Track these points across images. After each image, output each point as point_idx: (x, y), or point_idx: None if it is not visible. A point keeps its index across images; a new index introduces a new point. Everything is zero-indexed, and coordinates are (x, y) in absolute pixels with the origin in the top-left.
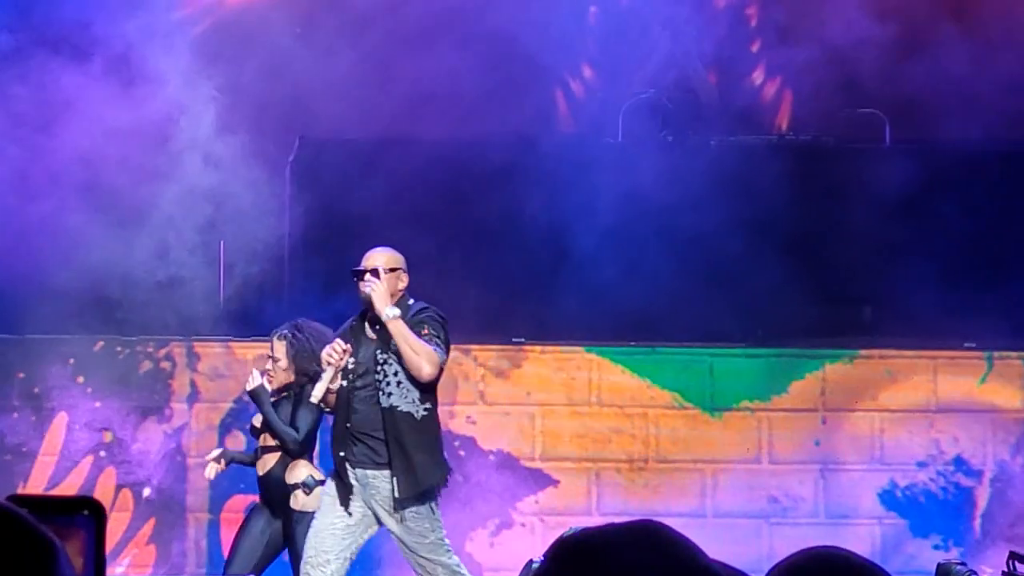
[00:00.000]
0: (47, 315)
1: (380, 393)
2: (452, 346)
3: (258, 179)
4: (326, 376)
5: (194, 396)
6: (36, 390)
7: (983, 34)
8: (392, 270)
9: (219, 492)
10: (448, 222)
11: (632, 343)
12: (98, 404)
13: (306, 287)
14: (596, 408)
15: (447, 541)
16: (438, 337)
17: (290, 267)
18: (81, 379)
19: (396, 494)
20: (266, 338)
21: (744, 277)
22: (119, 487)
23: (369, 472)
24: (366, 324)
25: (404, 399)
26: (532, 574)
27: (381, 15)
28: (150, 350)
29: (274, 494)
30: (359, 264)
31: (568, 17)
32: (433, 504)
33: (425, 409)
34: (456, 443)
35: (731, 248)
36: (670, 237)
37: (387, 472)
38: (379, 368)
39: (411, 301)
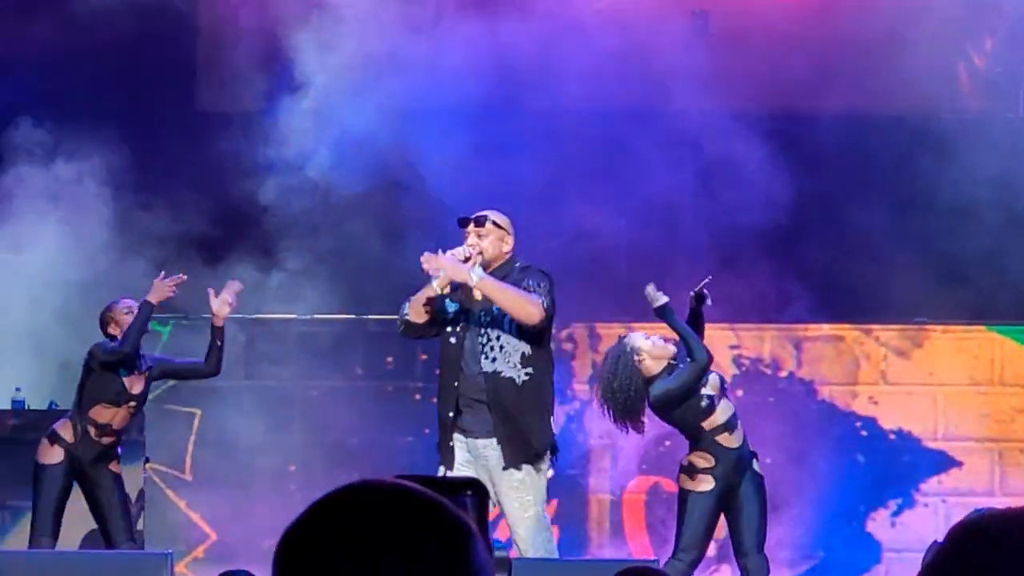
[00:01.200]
0: None
1: (484, 357)
2: (852, 326)
3: (661, 159)
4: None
5: (595, 378)
6: (438, 372)
7: None
8: (499, 227)
9: (621, 473)
10: (852, 201)
11: None
12: None
13: (710, 268)
14: (999, 388)
15: (547, 517)
16: (539, 286)
17: (693, 248)
18: None
19: (503, 462)
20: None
21: None
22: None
23: (480, 442)
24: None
25: (507, 363)
26: (931, 554)
27: None
28: (553, 332)
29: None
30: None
31: None
32: (539, 473)
33: (527, 374)
34: (858, 423)
35: None
36: None
37: (494, 440)
38: (483, 331)
39: (517, 263)
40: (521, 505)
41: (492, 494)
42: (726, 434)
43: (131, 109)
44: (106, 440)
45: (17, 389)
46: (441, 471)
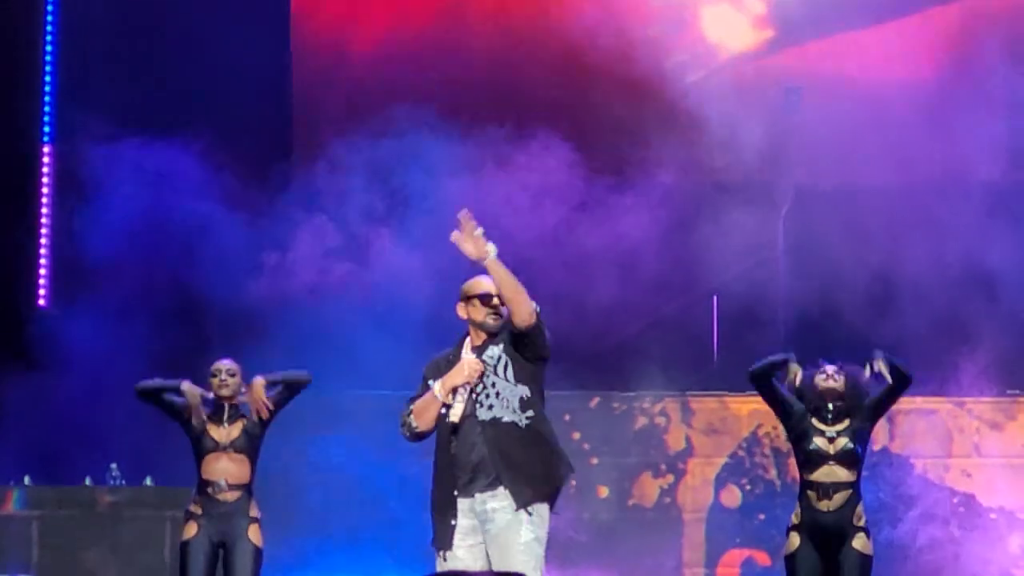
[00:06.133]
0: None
1: (479, 406)
2: (946, 399)
3: (751, 230)
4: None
5: (688, 451)
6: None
7: None
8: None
9: (715, 546)
10: (942, 271)
11: None
12: (594, 461)
13: (801, 341)
14: None
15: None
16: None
17: (784, 320)
18: (577, 435)
19: (514, 504)
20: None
21: None
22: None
23: (480, 496)
24: (464, 352)
25: (505, 408)
26: None
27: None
28: (646, 406)
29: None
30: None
31: None
32: (546, 518)
33: (528, 417)
34: (952, 497)
35: None
36: None
37: (500, 489)
38: (478, 384)
39: None
40: (529, 547)
41: (487, 548)
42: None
43: None
44: (223, 496)
45: (111, 466)
46: (440, 562)
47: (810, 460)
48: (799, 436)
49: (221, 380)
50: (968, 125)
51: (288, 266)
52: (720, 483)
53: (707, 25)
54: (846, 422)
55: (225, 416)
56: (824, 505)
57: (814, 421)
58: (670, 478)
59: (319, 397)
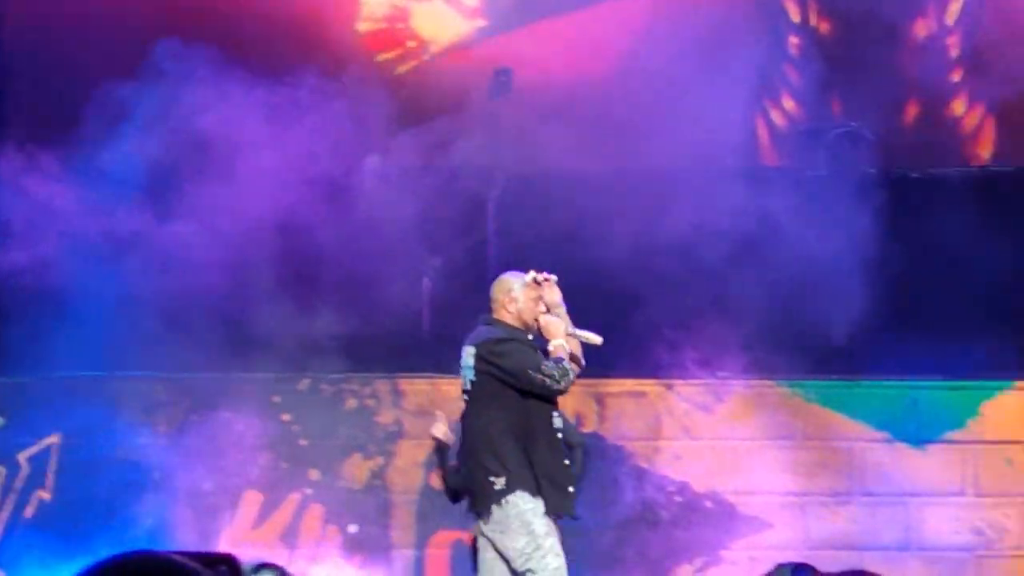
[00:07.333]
0: (249, 354)
1: (555, 416)
2: (655, 381)
3: (461, 215)
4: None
5: (399, 433)
6: (241, 428)
7: None
8: None
9: (425, 527)
10: (649, 253)
11: (834, 377)
12: (304, 442)
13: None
14: (801, 442)
15: None
16: None
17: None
18: (286, 417)
19: None
20: None
21: (941, 309)
22: (325, 524)
23: None
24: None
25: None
26: None
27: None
28: (355, 388)
29: None
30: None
31: (768, 47)
32: None
33: None
34: (661, 478)
35: (933, 281)
36: (869, 271)
37: None
38: None
39: None
40: None
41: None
42: None
43: None
44: None
45: None
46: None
47: None
48: None
49: None
50: (684, 108)
51: (37, 237)
52: (430, 465)
53: (418, 18)
54: None
55: None
56: None
57: None
58: (380, 460)
59: (76, 376)
